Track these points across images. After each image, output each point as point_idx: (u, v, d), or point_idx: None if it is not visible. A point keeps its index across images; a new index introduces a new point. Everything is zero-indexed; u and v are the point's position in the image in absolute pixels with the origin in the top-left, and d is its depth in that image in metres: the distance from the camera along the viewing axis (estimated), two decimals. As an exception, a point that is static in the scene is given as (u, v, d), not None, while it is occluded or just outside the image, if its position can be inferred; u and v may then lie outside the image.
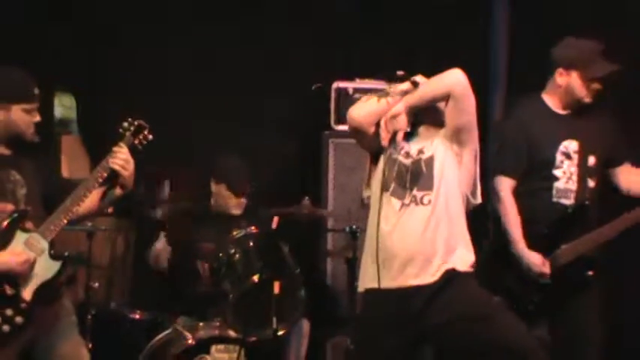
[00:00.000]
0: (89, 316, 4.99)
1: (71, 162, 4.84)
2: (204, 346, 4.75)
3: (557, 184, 4.41)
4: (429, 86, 3.90)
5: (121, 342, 5.05)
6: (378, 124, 3.94)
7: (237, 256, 4.93)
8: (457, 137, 3.87)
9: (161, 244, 5.29)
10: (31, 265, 4.06)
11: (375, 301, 3.90)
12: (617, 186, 4.54)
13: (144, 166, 4.32)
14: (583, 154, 4.44)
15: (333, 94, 5.72)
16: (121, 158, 4.18)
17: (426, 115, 3.96)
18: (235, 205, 5.29)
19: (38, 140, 4.21)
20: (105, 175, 4.20)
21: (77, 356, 4.26)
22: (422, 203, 3.83)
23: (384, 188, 3.90)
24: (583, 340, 4.36)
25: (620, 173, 4.53)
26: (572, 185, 4.41)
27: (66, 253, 4.14)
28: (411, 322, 3.81)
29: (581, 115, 4.46)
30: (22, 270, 4.02)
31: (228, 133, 5.93)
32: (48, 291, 4.09)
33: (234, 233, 5.01)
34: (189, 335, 4.78)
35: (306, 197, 5.33)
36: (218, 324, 4.88)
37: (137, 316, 5.11)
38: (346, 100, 5.57)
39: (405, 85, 3.93)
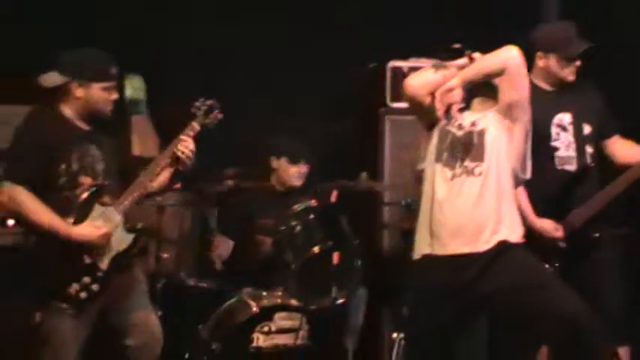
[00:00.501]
0: (159, 285, 5.06)
1: (141, 141, 4.97)
2: (267, 313, 4.86)
3: (558, 153, 4.49)
4: (484, 62, 4.01)
5: (188, 310, 5.11)
6: (433, 96, 4.02)
7: (298, 228, 5.03)
8: (509, 113, 3.95)
9: (220, 249, 5.42)
10: (108, 236, 4.22)
11: (430, 267, 4.01)
12: (613, 157, 4.60)
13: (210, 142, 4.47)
14: (577, 124, 4.51)
15: (388, 73, 5.73)
16: (188, 148, 4.36)
17: (480, 90, 4.08)
18: (296, 175, 5.41)
19: (112, 117, 4.35)
20: (172, 156, 4.36)
21: (148, 322, 4.42)
22: (473, 174, 3.93)
23: (437, 159, 4.02)
24: (604, 300, 4.37)
25: (613, 144, 4.60)
26: (573, 152, 4.49)
27: (139, 226, 4.31)
28: (464, 289, 3.91)
29: (569, 90, 4.53)
30: (100, 241, 4.19)
31: (287, 109, 5.99)
32: (122, 261, 4.28)
33: (295, 207, 5.11)
34: (253, 304, 4.89)
35: (364, 172, 5.37)
36: (280, 293, 4.99)
37: (204, 285, 5.18)
38: (401, 78, 5.36)
39: (462, 60, 4.04)
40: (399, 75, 5.66)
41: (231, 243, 5.40)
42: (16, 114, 4.49)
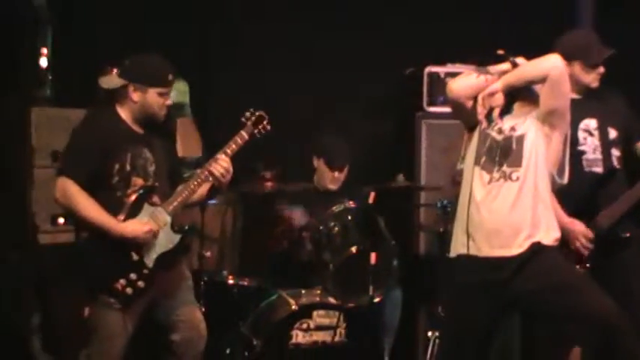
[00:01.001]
0: (202, 283, 5.10)
1: (185, 143, 5.06)
2: (306, 311, 4.90)
3: (586, 156, 4.50)
4: (527, 68, 3.99)
5: (230, 307, 5.15)
6: (475, 99, 4.03)
7: (336, 229, 5.10)
8: (549, 119, 3.96)
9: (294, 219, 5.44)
10: (155, 235, 4.27)
11: (465, 266, 4.02)
12: None
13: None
14: (603, 129, 4.52)
15: (425, 78, 5.74)
16: (222, 166, 4.38)
17: (521, 95, 4.05)
18: (332, 180, 5.41)
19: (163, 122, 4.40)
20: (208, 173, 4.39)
21: (193, 318, 4.48)
22: (510, 179, 3.92)
23: (476, 162, 4.02)
24: (635, 300, 4.36)
25: None
26: (599, 155, 4.51)
27: (185, 227, 4.37)
28: (497, 289, 3.92)
29: (594, 96, 4.55)
30: (147, 239, 4.26)
31: (327, 110, 6.03)
32: (168, 259, 4.35)
33: (334, 208, 5.16)
34: (292, 301, 4.93)
35: (401, 174, 5.42)
36: (319, 291, 5.04)
37: (245, 283, 5.22)
38: (438, 83, 5.61)
39: (505, 65, 4.03)
40: (436, 80, 5.70)
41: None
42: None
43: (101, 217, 4.21)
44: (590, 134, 4.55)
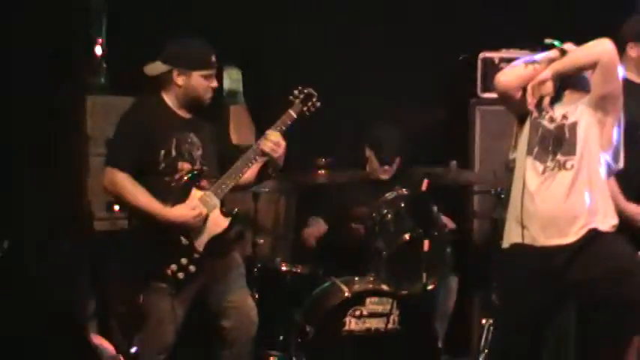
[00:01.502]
0: (255, 269, 5.14)
1: (238, 130, 5.06)
2: (359, 298, 4.86)
3: None
4: (576, 54, 3.97)
5: (283, 293, 5.17)
6: (524, 89, 4.00)
7: (389, 216, 5.08)
8: (602, 105, 3.93)
9: (312, 228, 5.52)
10: (204, 219, 4.28)
11: (519, 257, 4.02)
12: None
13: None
14: None
15: (479, 64, 5.71)
16: (272, 141, 4.36)
17: (571, 82, 4.04)
18: (383, 172, 5.43)
19: (211, 106, 4.41)
20: (259, 154, 4.40)
21: (245, 304, 4.50)
22: (565, 168, 3.92)
23: (529, 152, 4.00)
24: None
25: None
26: None
27: (234, 211, 4.36)
28: (553, 278, 3.92)
29: None
30: (196, 223, 4.26)
31: (381, 97, 5.99)
32: (219, 244, 4.34)
33: (387, 195, 5.15)
34: (345, 288, 4.91)
35: (454, 161, 5.37)
36: (372, 278, 5.01)
37: (298, 270, 5.23)
38: (492, 69, 5.53)
39: (553, 53, 4.00)
40: (490, 66, 5.65)
41: (323, 224, 5.48)
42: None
43: (149, 204, 4.23)
44: None
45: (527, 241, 3.96)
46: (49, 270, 4.79)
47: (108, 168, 4.27)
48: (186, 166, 4.33)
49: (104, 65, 5.37)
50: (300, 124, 4.52)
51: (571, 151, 3.93)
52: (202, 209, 4.30)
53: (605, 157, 3.98)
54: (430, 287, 5.00)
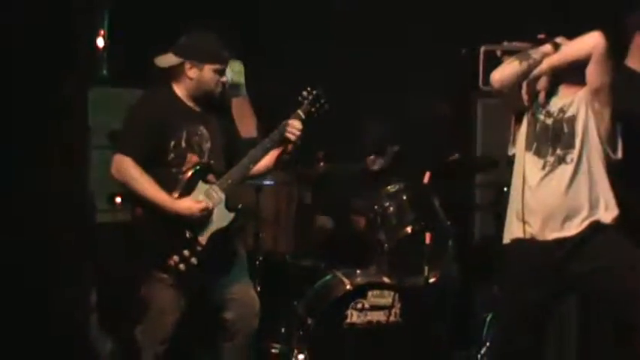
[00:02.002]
0: (257, 262, 5.16)
1: (240, 122, 5.04)
2: (361, 291, 4.87)
3: None
4: (570, 48, 3.97)
5: (285, 286, 5.20)
6: (520, 86, 4.02)
7: (391, 209, 5.10)
8: (598, 96, 3.92)
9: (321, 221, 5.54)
10: (209, 213, 4.29)
11: (520, 252, 4.03)
12: None
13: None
14: None
15: (481, 57, 5.43)
16: (298, 129, 4.41)
17: (566, 75, 4.02)
18: (371, 162, 5.46)
19: (217, 100, 4.42)
20: (279, 140, 4.42)
21: (247, 297, 4.48)
22: (564, 162, 3.93)
23: (527, 147, 4.01)
24: None
25: None
26: None
27: (239, 206, 4.37)
28: (554, 272, 3.93)
29: None
30: (201, 216, 4.26)
31: (382, 89, 6.01)
32: (222, 238, 4.34)
33: (389, 188, 5.15)
34: (347, 281, 4.92)
35: (457, 154, 5.38)
36: (374, 271, 5.04)
37: (300, 263, 5.27)
38: (494, 62, 5.42)
39: (546, 47, 3.99)
40: (492, 58, 5.63)
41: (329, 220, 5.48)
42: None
43: (156, 194, 4.23)
44: None
45: (529, 236, 3.98)
46: (48, 266, 4.67)
47: (117, 155, 4.27)
48: (195, 158, 4.35)
49: (105, 57, 5.37)
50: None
51: (570, 144, 3.94)
52: (208, 203, 4.30)
53: (605, 148, 3.97)
54: (432, 280, 5.00)
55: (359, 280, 4.98)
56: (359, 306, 4.88)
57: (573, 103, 3.99)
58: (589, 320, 4.65)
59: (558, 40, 3.99)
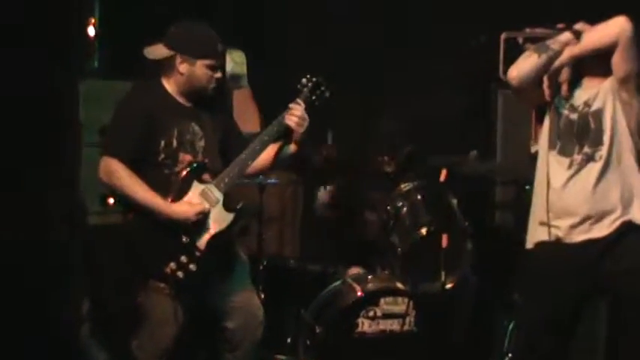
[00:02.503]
0: (261, 267, 5.10)
1: (242, 115, 5.01)
2: (373, 298, 4.80)
3: None
4: (593, 36, 3.84)
5: (291, 291, 5.13)
6: (541, 80, 3.90)
7: (404, 209, 5.04)
8: (626, 86, 3.79)
9: (324, 195, 5.41)
10: (206, 215, 4.16)
11: (546, 255, 3.91)
12: None
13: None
14: None
15: (502, 45, 5.63)
16: (297, 115, 4.28)
17: (588, 65, 3.88)
18: (384, 163, 5.35)
19: (215, 92, 4.31)
20: (279, 130, 4.30)
21: (250, 304, 4.35)
22: (593, 159, 3.81)
23: (551, 146, 3.92)
24: None
25: None
26: None
27: (239, 205, 4.25)
28: (584, 274, 3.82)
29: None
30: (197, 220, 4.14)
31: (399, 85, 5.95)
32: (222, 241, 4.21)
33: (402, 186, 5.11)
34: (358, 287, 4.84)
35: (474, 150, 5.29)
36: (386, 277, 4.97)
37: (307, 267, 5.20)
38: (516, 50, 5.51)
39: (566, 36, 3.85)
40: (513, 46, 5.54)
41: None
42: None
43: (149, 198, 4.12)
44: None
45: (554, 238, 3.87)
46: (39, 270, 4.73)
47: (104, 157, 4.14)
48: (188, 157, 4.23)
49: (96, 48, 5.40)
50: (313, 115, 4.43)
51: (598, 141, 3.82)
52: (204, 204, 4.19)
53: (636, 142, 3.85)
54: (449, 285, 4.93)
55: (370, 286, 4.89)
56: (370, 314, 4.78)
57: (599, 95, 3.85)
58: (618, 323, 4.43)
59: (579, 26, 3.86)
